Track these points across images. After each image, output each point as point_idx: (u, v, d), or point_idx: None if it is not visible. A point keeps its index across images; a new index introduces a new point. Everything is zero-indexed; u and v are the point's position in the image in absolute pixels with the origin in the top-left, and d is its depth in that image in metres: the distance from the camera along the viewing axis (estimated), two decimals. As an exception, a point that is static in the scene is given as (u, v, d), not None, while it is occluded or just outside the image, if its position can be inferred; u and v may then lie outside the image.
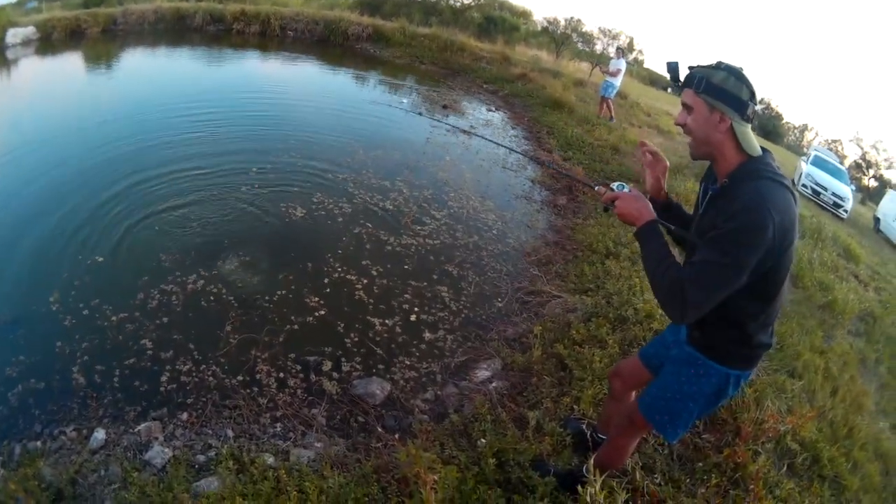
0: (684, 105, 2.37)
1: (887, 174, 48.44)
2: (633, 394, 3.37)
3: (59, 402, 4.30)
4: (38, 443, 3.94)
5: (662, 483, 3.58)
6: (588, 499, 2.69)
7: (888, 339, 7.49)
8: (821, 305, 7.39)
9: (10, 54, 15.18)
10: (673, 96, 36.61)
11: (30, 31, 16.61)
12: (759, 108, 2.29)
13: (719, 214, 2.20)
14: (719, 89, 2.23)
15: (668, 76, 2.44)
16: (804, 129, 64.54)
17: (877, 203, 22.38)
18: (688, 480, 3.69)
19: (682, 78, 2.37)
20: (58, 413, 4.22)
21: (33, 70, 14.65)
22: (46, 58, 15.65)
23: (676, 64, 2.39)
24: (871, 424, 5.23)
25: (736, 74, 2.24)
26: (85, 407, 4.27)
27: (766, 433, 4.15)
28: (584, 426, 3.97)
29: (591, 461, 2.95)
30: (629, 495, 3.09)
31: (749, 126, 2.28)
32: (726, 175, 2.31)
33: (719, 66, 2.27)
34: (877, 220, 19.06)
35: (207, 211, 7.00)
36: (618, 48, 16.35)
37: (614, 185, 2.68)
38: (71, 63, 15.53)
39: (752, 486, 3.33)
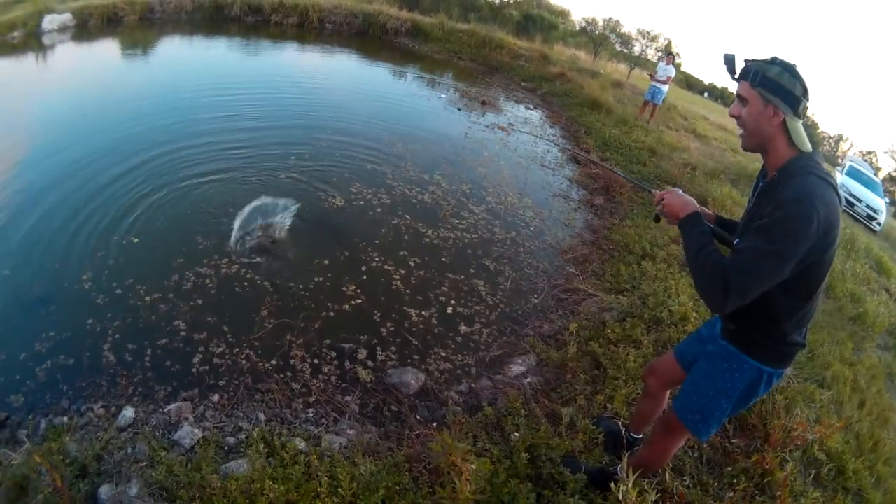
0: (739, 97, 2.39)
1: (922, 187, 47.73)
2: (668, 393, 3.38)
3: (87, 379, 4.35)
4: (65, 418, 3.97)
5: (691, 486, 3.57)
6: (620, 496, 2.67)
7: (917, 355, 7.33)
8: (851, 317, 7.29)
9: (46, 40, 15.41)
10: (709, 101, 36.25)
11: (66, 17, 16.83)
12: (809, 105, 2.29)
13: (767, 205, 2.21)
14: (775, 84, 2.25)
15: (724, 68, 2.46)
16: (839, 139, 63.84)
17: None
18: (716, 484, 3.67)
19: (737, 71, 2.39)
20: (86, 390, 4.27)
21: (70, 55, 14.85)
22: (83, 44, 15.86)
23: (733, 56, 2.42)
24: (896, 440, 5.15)
25: (790, 70, 2.26)
26: (114, 385, 4.31)
27: (793, 441, 4.11)
28: (617, 425, 3.96)
29: (626, 460, 2.93)
30: (658, 496, 3.09)
31: (801, 122, 2.30)
32: (776, 169, 2.33)
33: (774, 62, 2.29)
34: None
35: (247, 198, 7.04)
36: (668, 53, 16.16)
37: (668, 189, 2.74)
38: (108, 49, 15.74)
39: (778, 494, 3.29)
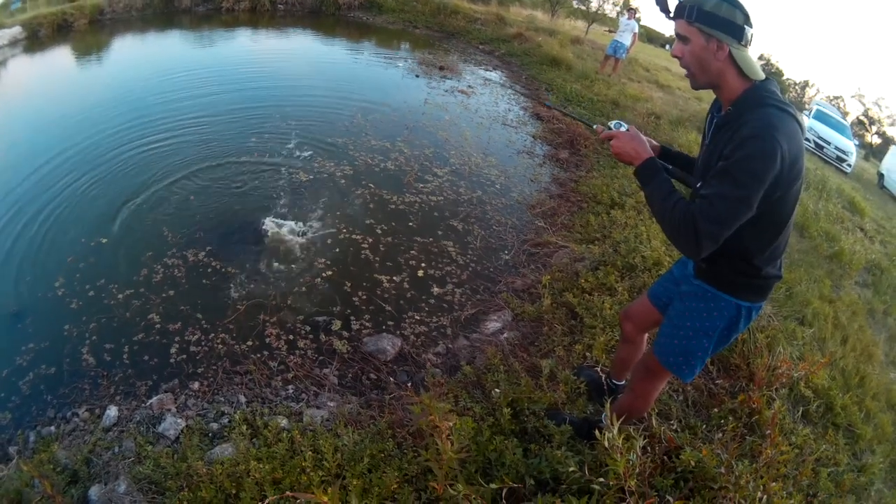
0: (678, 36, 2.31)
1: (890, 131, 48.37)
2: (646, 336, 3.37)
3: (70, 385, 4.32)
4: (52, 427, 3.95)
5: (679, 430, 3.57)
6: (606, 444, 2.67)
7: (896, 291, 7.45)
8: (827, 256, 7.35)
9: None
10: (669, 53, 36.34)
11: (16, 30, 16.49)
12: (754, 31, 2.24)
13: (727, 144, 2.15)
14: (713, 16, 2.18)
15: (657, 8, 2.39)
16: (805, 85, 64.06)
17: (880, 159, 22.20)
18: (703, 427, 3.67)
19: (671, 9, 2.33)
20: (69, 395, 4.24)
21: (23, 69, 14.57)
22: (35, 55, 15.55)
23: None
24: (881, 375, 5.21)
25: (728, 0, 2.18)
26: (96, 386, 4.29)
27: (779, 379, 4.13)
28: (597, 373, 3.96)
29: (608, 407, 2.93)
30: (646, 441, 3.08)
31: (748, 50, 2.24)
32: (730, 103, 2.27)
33: None
34: (881, 175, 18.82)
35: (208, 184, 6.99)
36: (629, 9, 16.12)
37: (612, 123, 2.63)
38: (60, 58, 15.46)
39: (768, 432, 3.30)
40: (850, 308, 6.14)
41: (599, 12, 27.99)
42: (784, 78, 60.62)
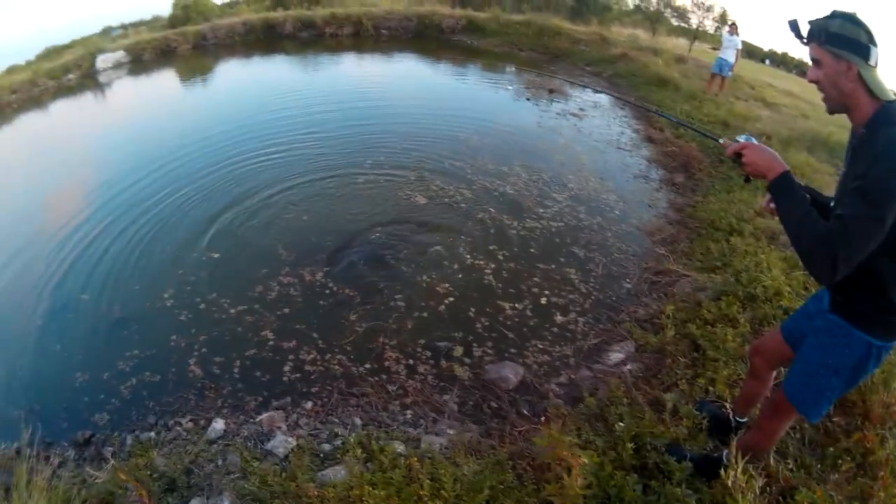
0: (813, 60, 2.31)
1: None
2: (773, 373, 3.29)
3: (174, 394, 4.52)
4: (152, 433, 4.10)
5: (794, 468, 3.44)
6: (729, 483, 2.60)
7: None
8: None
9: (102, 78, 16.13)
10: (771, 68, 35.16)
11: (119, 55, 17.61)
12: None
13: (861, 165, 2.13)
14: (839, 37, 2.18)
15: (792, 34, 2.37)
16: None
17: None
18: (818, 466, 3.52)
19: (804, 34, 2.32)
20: (173, 404, 4.43)
21: (126, 90, 15.46)
22: (140, 77, 16.51)
23: (796, 21, 2.34)
24: None
25: (851, 19, 2.19)
26: (202, 398, 4.46)
27: (893, 417, 3.92)
28: (720, 409, 3.88)
29: (733, 445, 2.86)
30: (765, 481, 3.02)
31: (876, 70, 2.21)
32: (863, 125, 2.24)
33: (834, 15, 2.23)
34: None
35: (326, 205, 7.28)
36: (730, 24, 15.75)
37: (740, 137, 2.54)
38: (165, 79, 16.38)
39: (880, 474, 3.15)
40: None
41: (700, 29, 27.49)
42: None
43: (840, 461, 3.48)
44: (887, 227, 2.05)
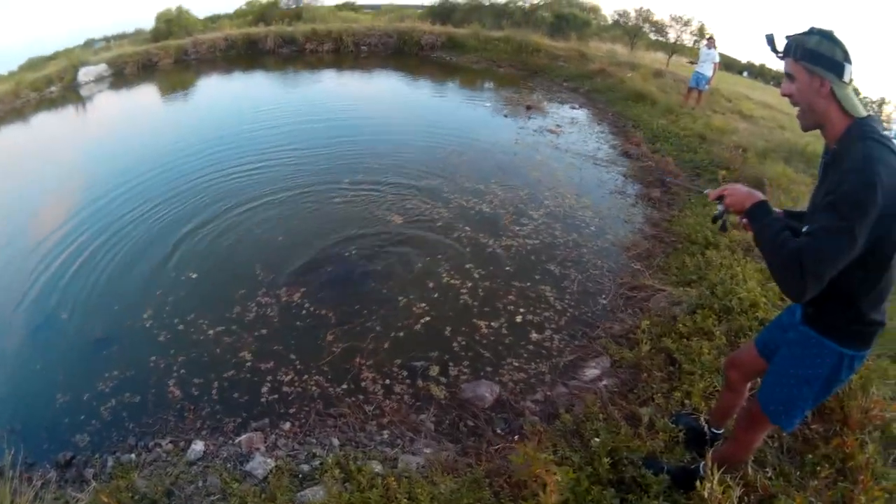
0: (787, 75, 2.38)
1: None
2: (748, 385, 3.33)
3: (154, 415, 4.52)
4: (133, 455, 4.12)
5: (773, 477, 3.48)
6: (706, 495, 2.63)
7: None
8: None
9: (84, 91, 16.13)
10: (749, 80, 35.52)
11: (101, 68, 17.66)
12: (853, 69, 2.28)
13: (832, 180, 2.19)
14: (815, 53, 2.25)
15: (767, 48, 2.45)
16: (882, 102, 61.74)
17: None
18: (797, 473, 3.57)
19: (780, 48, 2.39)
20: (153, 426, 4.43)
21: (107, 103, 15.47)
22: (121, 91, 16.50)
23: (773, 35, 2.41)
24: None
25: (828, 37, 2.25)
26: (182, 419, 4.47)
27: (871, 421, 3.96)
28: (696, 421, 3.92)
29: (709, 456, 2.90)
30: (742, 490, 3.05)
31: (849, 88, 2.27)
32: (835, 141, 2.31)
33: (812, 32, 2.29)
34: None
35: (304, 224, 7.31)
36: (708, 38, 15.91)
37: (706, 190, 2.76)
38: (146, 93, 16.40)
39: (860, 478, 3.20)
40: (945, 340, 5.81)
41: (678, 43, 27.75)
42: (861, 96, 58.69)
43: (819, 468, 3.50)
44: (859, 241, 2.09)
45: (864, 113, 2.27)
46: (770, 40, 2.42)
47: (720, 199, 2.62)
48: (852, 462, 3.56)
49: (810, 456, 3.71)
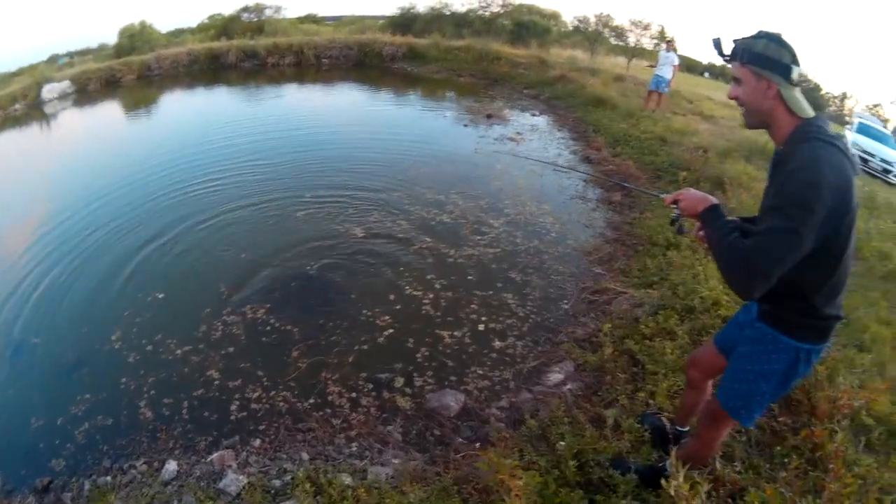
0: (734, 79, 2.42)
1: (933, 129, 46.87)
2: (710, 382, 3.36)
3: (127, 437, 4.48)
4: (108, 478, 4.08)
5: (742, 470, 3.53)
6: (672, 492, 2.66)
7: (958, 300, 7.13)
8: (882, 276, 7.05)
9: (48, 109, 15.93)
10: (711, 81, 36.04)
11: (65, 84, 17.49)
12: (804, 71, 2.30)
13: (779, 181, 2.22)
14: (762, 56, 2.28)
15: (714, 52, 2.48)
16: (844, 97, 62.72)
17: None
18: (767, 466, 3.61)
19: (727, 52, 2.43)
20: (127, 447, 4.39)
21: (72, 121, 15.31)
22: (85, 108, 16.33)
23: (719, 39, 2.44)
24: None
25: (776, 40, 2.28)
26: (154, 440, 4.43)
27: (840, 410, 4.02)
28: (661, 420, 3.94)
29: (674, 454, 2.93)
30: (711, 486, 3.06)
31: (797, 89, 2.31)
32: (782, 142, 2.34)
33: (759, 35, 2.32)
34: None
35: (266, 239, 7.27)
36: (667, 41, 16.10)
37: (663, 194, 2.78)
38: (110, 110, 16.25)
39: (831, 466, 3.25)
40: (909, 327, 5.92)
41: (638, 47, 28.08)
42: (822, 92, 59.65)
43: (788, 459, 3.55)
44: (806, 240, 2.12)
45: (811, 113, 2.31)
46: (717, 44, 2.45)
47: (675, 203, 2.66)
48: (822, 451, 3.60)
49: (779, 448, 3.76)
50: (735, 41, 2.39)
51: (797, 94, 2.30)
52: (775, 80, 2.27)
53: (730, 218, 2.49)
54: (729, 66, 2.43)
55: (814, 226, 2.10)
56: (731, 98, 2.46)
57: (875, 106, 54.25)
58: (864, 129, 19.06)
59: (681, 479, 2.70)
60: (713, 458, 3.38)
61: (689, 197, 2.59)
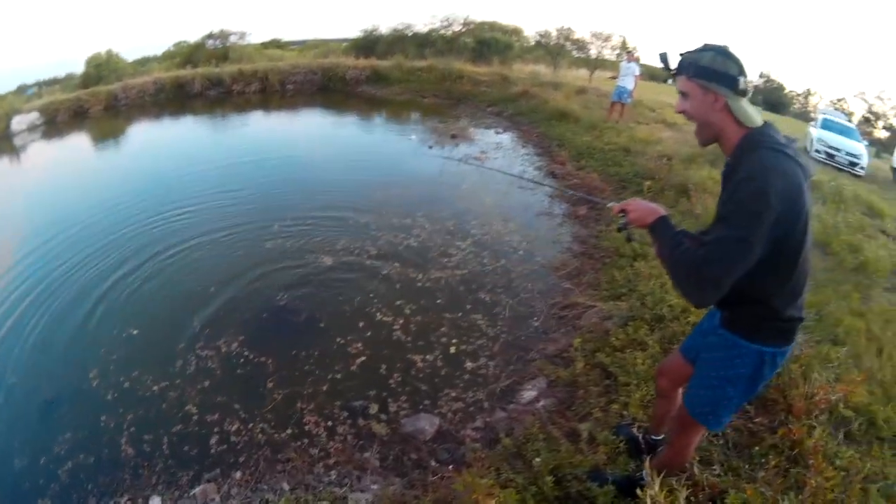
0: (681, 93, 2.44)
1: (897, 122, 47.74)
2: (680, 390, 3.39)
3: (110, 474, 4.43)
4: None
5: (721, 473, 3.55)
6: (648, 501, 2.70)
7: (929, 288, 7.25)
8: (853, 268, 7.16)
9: (17, 141, 15.74)
10: (673, 87, 36.59)
11: (34, 116, 17.31)
12: (751, 80, 2.35)
13: (728, 191, 2.26)
14: (709, 70, 2.30)
15: (661, 66, 2.52)
16: (807, 94, 63.71)
17: (892, 153, 21.84)
18: (746, 466, 3.63)
19: (673, 66, 2.45)
20: (111, 485, 4.35)
21: (41, 154, 15.13)
22: (53, 140, 16.18)
23: (666, 54, 2.48)
24: (922, 381, 5.10)
25: (722, 53, 2.31)
26: (137, 476, 4.39)
27: (817, 406, 4.06)
28: (634, 430, 3.98)
29: (648, 463, 2.97)
30: (689, 491, 3.08)
31: (744, 99, 2.33)
32: (731, 152, 2.37)
33: (705, 49, 2.35)
34: (894, 170, 18.71)
35: (235, 270, 7.23)
36: (627, 52, 16.30)
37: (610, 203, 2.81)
38: (78, 142, 16.16)
39: (811, 461, 3.29)
40: (882, 317, 5.94)
41: (599, 58, 28.40)
42: (786, 91, 60.54)
43: (766, 459, 3.59)
44: (756, 247, 2.15)
45: (759, 122, 2.33)
46: (664, 59, 2.48)
47: (623, 212, 2.68)
48: (800, 448, 3.63)
49: (757, 448, 3.78)
50: (681, 55, 2.42)
51: (744, 104, 2.33)
52: (722, 93, 2.29)
53: (679, 228, 2.52)
54: (672, 80, 2.47)
55: (763, 233, 2.13)
56: (679, 112, 2.48)
57: (839, 100, 55.25)
58: (828, 125, 19.46)
59: (656, 487, 2.73)
60: (689, 463, 3.40)
61: (638, 208, 2.62)
